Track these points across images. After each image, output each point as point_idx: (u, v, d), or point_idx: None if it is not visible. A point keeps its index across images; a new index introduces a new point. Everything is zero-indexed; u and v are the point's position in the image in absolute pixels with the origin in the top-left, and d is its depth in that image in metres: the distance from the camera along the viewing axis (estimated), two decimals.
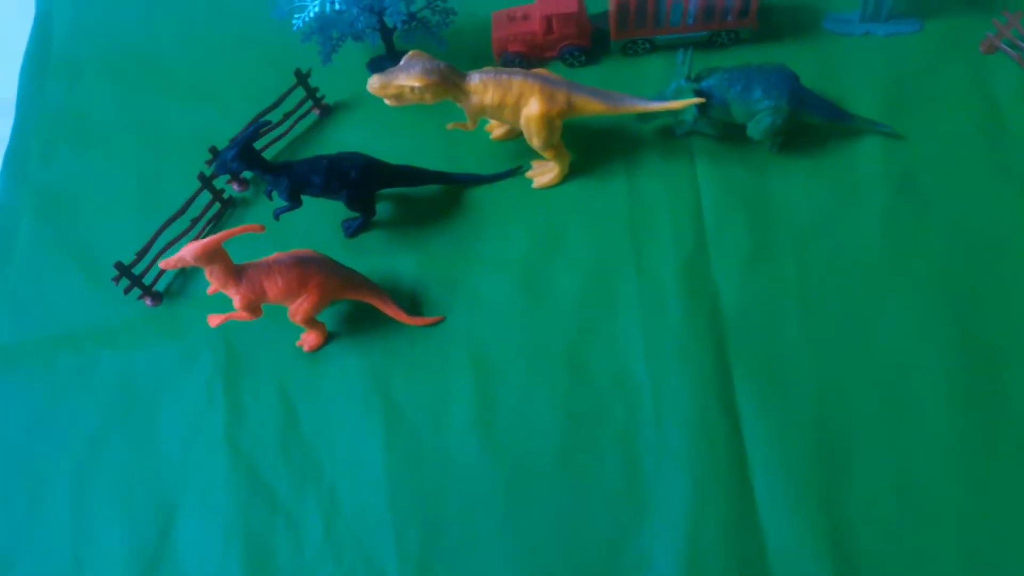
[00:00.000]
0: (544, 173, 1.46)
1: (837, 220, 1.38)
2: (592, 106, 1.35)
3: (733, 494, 1.20)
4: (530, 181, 1.48)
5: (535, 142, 1.37)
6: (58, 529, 1.28)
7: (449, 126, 1.43)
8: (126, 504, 1.29)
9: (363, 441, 1.30)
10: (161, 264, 1.17)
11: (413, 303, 1.39)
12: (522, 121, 1.35)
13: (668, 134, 1.49)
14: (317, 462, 1.29)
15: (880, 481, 1.18)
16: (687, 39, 1.56)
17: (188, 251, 1.14)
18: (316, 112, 1.59)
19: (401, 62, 1.32)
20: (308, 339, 1.35)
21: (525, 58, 1.58)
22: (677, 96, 1.38)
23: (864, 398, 1.24)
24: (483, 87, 1.32)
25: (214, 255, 1.16)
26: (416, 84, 1.28)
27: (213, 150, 1.45)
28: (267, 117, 1.49)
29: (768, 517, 1.18)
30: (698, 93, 1.36)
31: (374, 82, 1.31)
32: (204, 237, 1.46)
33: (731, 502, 1.20)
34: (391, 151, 1.47)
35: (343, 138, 1.57)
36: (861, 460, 1.20)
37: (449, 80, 1.31)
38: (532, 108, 1.33)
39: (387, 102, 1.34)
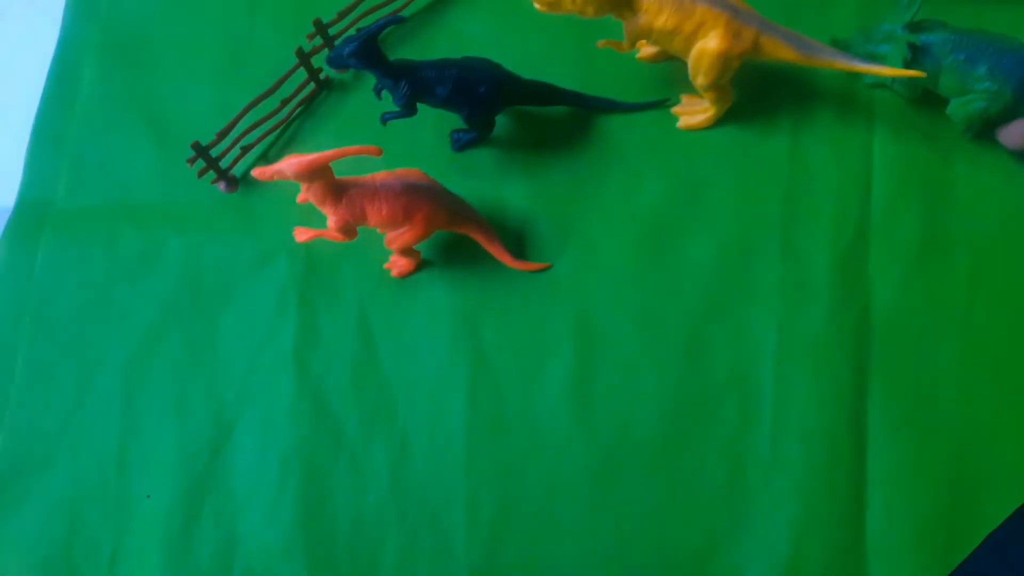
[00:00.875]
0: (695, 113, 1.24)
1: None
2: (782, 52, 1.12)
3: (844, 526, 1.08)
4: (675, 119, 1.26)
5: (700, 80, 1.15)
6: (106, 424, 1.19)
7: (600, 43, 1.20)
8: (180, 410, 1.19)
9: (445, 389, 1.17)
10: (255, 173, 1.00)
11: (518, 243, 1.22)
12: (693, 54, 1.13)
13: (848, 87, 1.25)
14: (392, 403, 1.17)
15: None
16: None
17: (289, 166, 0.96)
18: None
19: None
20: (399, 264, 1.19)
21: None
22: (886, 42, 1.14)
23: (1012, 447, 1.09)
24: (658, 7, 1.09)
25: (318, 173, 0.98)
26: None
27: (317, 23, 1.24)
28: None
29: (877, 558, 1.07)
30: (912, 47, 1.12)
31: None
32: (294, 121, 1.29)
33: (840, 534, 1.08)
34: (517, 52, 1.25)
35: (464, 28, 1.34)
36: (992, 516, 1.07)
37: None
38: (711, 43, 1.10)
39: (537, 6, 1.11)
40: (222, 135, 1.20)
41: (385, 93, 1.17)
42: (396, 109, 1.15)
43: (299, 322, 1.21)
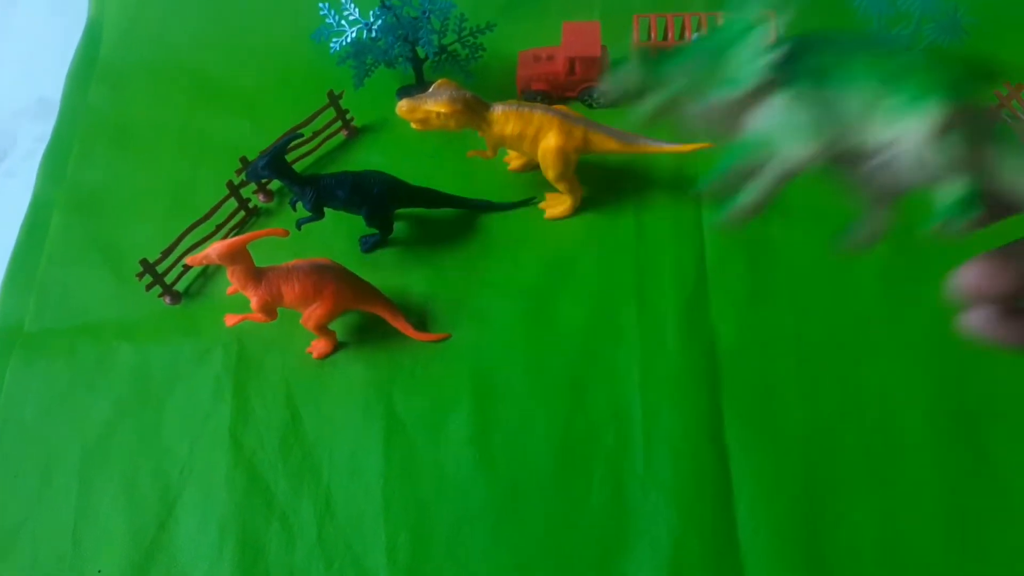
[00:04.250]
0: (556, 205, 1.52)
1: (836, 270, 1.43)
2: (607, 144, 1.42)
3: (717, 530, 1.24)
4: (542, 212, 1.54)
5: (550, 174, 1.44)
6: (63, 510, 1.32)
7: (469, 153, 1.50)
8: (130, 491, 1.33)
9: (362, 449, 1.34)
10: (187, 260, 1.23)
11: (421, 320, 1.44)
12: (539, 153, 1.42)
13: (678, 173, 1.55)
14: (316, 466, 1.33)
15: (863, 531, 1.22)
16: None
17: (214, 249, 1.20)
18: (344, 133, 1.66)
19: (430, 89, 1.39)
20: (318, 346, 1.40)
21: (547, 96, 1.65)
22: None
23: (851, 447, 1.28)
24: (505, 118, 1.39)
25: (238, 255, 1.22)
26: (442, 110, 1.35)
27: (244, 160, 1.52)
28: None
29: (749, 555, 1.21)
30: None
31: (403, 105, 1.38)
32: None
33: (714, 537, 1.23)
34: (412, 174, 1.53)
35: (368, 159, 1.64)
36: (845, 509, 1.24)
37: (473, 109, 1.38)
38: (550, 141, 1.40)
39: (413, 125, 1.40)
40: (166, 253, 1.44)
41: (299, 206, 1.43)
42: (308, 214, 1.41)
43: (233, 405, 1.39)
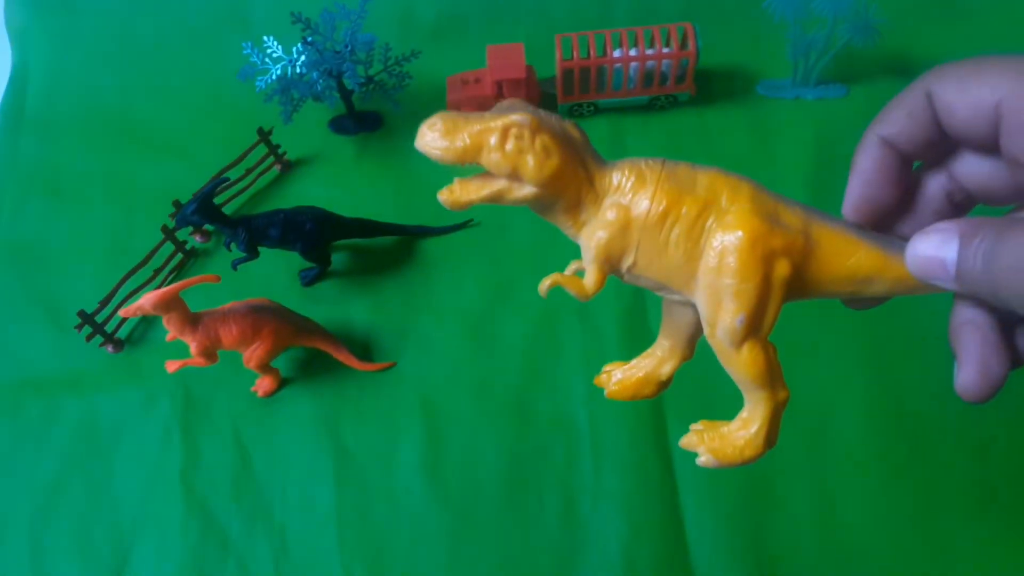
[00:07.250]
0: (722, 438, 0.71)
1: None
2: (852, 255, 0.62)
3: (666, 533, 1.27)
4: (481, 233, 1.55)
5: (724, 318, 0.62)
6: (15, 566, 1.31)
7: (545, 285, 0.72)
8: (83, 546, 1.32)
9: (313, 483, 1.35)
10: (121, 312, 1.23)
11: (365, 350, 1.45)
12: (709, 260, 0.61)
13: None
14: (268, 504, 1.34)
15: (804, 521, 1.26)
16: (629, 103, 1.66)
17: (147, 300, 1.20)
18: (277, 167, 1.67)
19: (502, 104, 0.66)
20: (262, 384, 1.40)
21: None
22: None
23: (790, 440, 1.29)
24: (639, 179, 0.61)
25: (171, 303, 1.22)
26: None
27: (176, 203, 1.52)
28: (230, 172, 1.57)
29: (698, 555, 1.25)
30: None
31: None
32: (165, 286, 1.54)
33: (664, 541, 1.26)
34: (350, 203, 1.54)
35: (303, 192, 1.65)
36: (786, 500, 1.28)
37: (572, 176, 0.61)
38: (733, 229, 0.59)
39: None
40: (104, 303, 1.43)
41: (234, 246, 1.43)
42: (242, 255, 1.41)
43: (183, 450, 1.39)
